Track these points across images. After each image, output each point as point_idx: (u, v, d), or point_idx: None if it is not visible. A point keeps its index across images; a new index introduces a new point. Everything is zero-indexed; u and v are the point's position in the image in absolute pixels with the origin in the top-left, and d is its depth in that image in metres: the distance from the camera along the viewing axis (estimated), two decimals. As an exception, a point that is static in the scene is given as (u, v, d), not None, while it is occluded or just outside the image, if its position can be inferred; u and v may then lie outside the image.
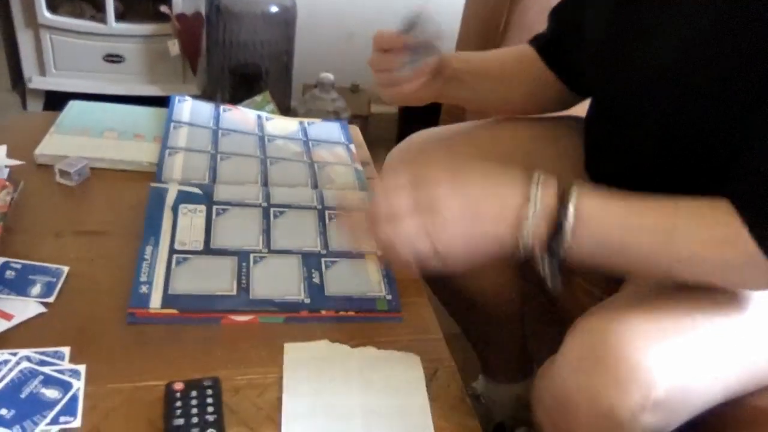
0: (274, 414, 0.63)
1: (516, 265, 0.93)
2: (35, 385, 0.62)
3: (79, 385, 0.63)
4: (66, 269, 0.76)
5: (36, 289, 0.73)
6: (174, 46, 1.84)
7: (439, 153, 0.85)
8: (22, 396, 0.60)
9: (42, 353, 0.65)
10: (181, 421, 0.58)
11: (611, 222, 0.56)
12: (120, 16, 1.83)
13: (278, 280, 0.78)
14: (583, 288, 0.85)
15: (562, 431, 0.60)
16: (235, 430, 0.61)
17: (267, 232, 0.85)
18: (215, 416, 0.60)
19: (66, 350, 0.66)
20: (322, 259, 0.82)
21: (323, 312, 0.75)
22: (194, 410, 0.59)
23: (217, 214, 0.86)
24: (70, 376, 0.63)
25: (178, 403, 0.60)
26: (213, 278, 0.76)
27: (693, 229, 0.55)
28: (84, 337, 0.68)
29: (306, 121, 1.17)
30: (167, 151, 0.98)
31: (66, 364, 0.65)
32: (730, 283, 0.60)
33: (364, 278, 0.81)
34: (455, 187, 0.58)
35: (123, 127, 1.06)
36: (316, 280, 0.79)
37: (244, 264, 0.79)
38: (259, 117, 1.15)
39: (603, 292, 0.81)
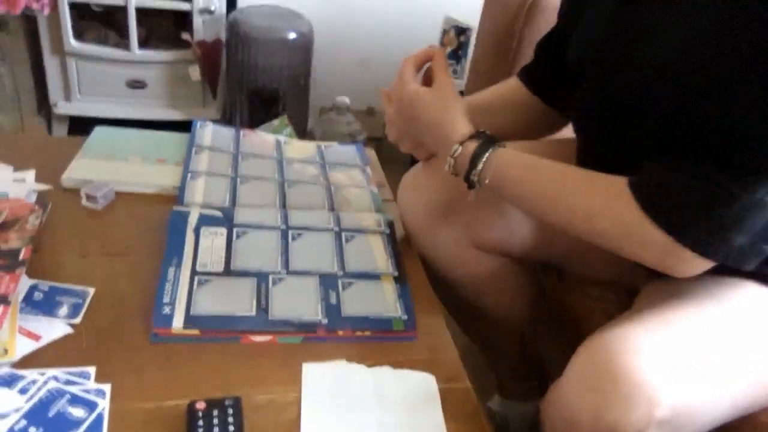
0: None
1: (528, 280, 0.95)
2: (62, 404, 0.64)
3: (104, 405, 0.64)
4: (92, 290, 0.79)
5: (63, 310, 0.75)
6: (195, 72, 1.89)
7: (446, 176, 0.87)
8: (50, 415, 0.62)
9: (69, 373, 0.67)
10: (203, 440, 0.60)
11: (516, 161, 0.72)
12: (143, 43, 1.89)
13: (296, 300, 0.80)
14: (595, 304, 0.86)
15: None
16: (255, 448, 0.62)
17: (285, 253, 0.87)
18: (236, 435, 0.61)
19: (92, 370, 0.68)
20: (339, 280, 0.84)
21: (340, 332, 0.77)
22: (216, 429, 0.61)
23: (237, 236, 0.88)
24: (96, 395, 0.65)
25: (201, 422, 0.62)
26: (233, 299, 0.78)
27: (584, 185, 0.67)
28: (109, 357, 0.70)
29: (323, 144, 1.19)
30: (189, 175, 1.01)
31: (92, 384, 0.67)
32: (622, 246, 0.64)
33: (380, 298, 0.82)
34: (428, 109, 0.78)
35: (146, 152, 1.09)
36: (333, 300, 0.81)
37: (263, 285, 0.81)
38: (278, 141, 1.17)
39: (615, 308, 0.82)
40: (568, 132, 0.90)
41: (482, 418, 0.70)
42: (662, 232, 0.60)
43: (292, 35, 1.83)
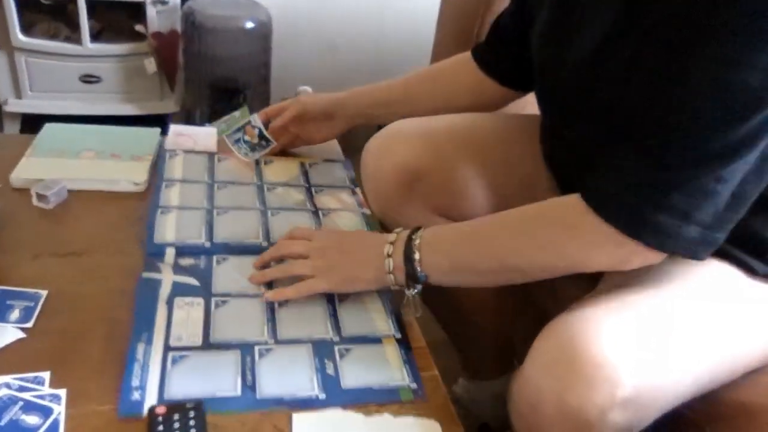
0: None
1: None
2: (15, 412, 0.61)
3: (60, 410, 0.62)
4: (44, 293, 0.76)
5: (14, 315, 0.72)
6: (151, 64, 1.85)
7: (416, 142, 0.86)
8: (2, 423, 0.60)
9: (21, 379, 0.65)
10: (164, 444, 0.58)
11: (447, 241, 0.72)
12: (95, 36, 1.83)
13: (288, 374, 0.70)
14: (565, 286, 0.86)
15: None
16: (219, 448, 0.61)
17: (272, 320, 0.76)
18: (199, 438, 0.59)
19: (46, 375, 0.66)
20: (335, 347, 0.74)
21: (340, 408, 0.68)
22: (177, 433, 0.59)
23: (216, 306, 0.78)
24: (51, 400, 0.63)
25: (161, 427, 0.59)
26: (214, 378, 0.68)
27: (529, 219, 0.69)
28: (64, 361, 0.68)
29: (308, 162, 1.10)
30: (159, 210, 0.91)
31: (46, 389, 0.64)
32: (576, 251, 0.65)
33: (384, 364, 0.73)
34: (337, 240, 0.80)
35: (100, 147, 1.05)
36: (330, 371, 0.71)
37: (248, 358, 0.71)
38: (257, 163, 1.08)
39: (584, 291, 0.82)
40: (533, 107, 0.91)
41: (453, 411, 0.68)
42: (614, 230, 0.61)
43: (249, 24, 1.79)
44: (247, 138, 1.04)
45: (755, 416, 0.67)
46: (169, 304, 0.77)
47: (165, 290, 0.79)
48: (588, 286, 0.84)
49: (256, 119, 1.05)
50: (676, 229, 0.59)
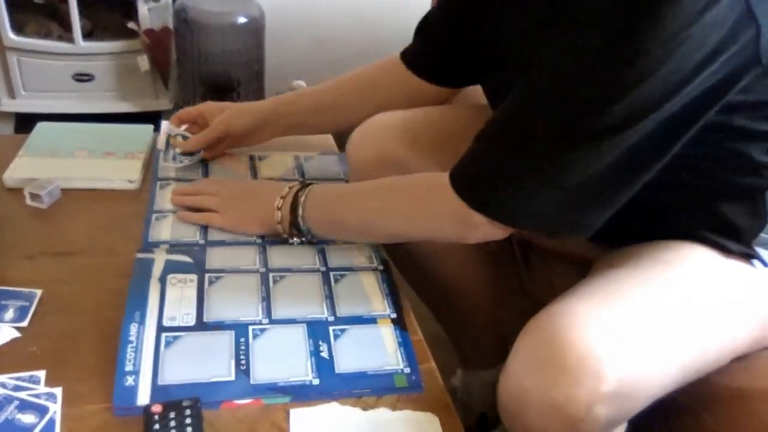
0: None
1: (482, 248, 0.96)
2: (11, 411, 0.61)
3: (55, 409, 0.62)
4: (39, 292, 0.76)
5: (9, 314, 0.72)
6: (144, 62, 1.84)
7: (395, 132, 0.87)
8: (-2, 423, 0.60)
9: (17, 378, 0.65)
10: (160, 443, 0.58)
11: (328, 200, 0.81)
12: (87, 35, 1.82)
13: (282, 357, 0.70)
14: (558, 280, 0.86)
15: (522, 429, 0.60)
16: (216, 443, 0.61)
17: (266, 299, 0.77)
18: (195, 436, 0.59)
19: (41, 374, 0.66)
20: (330, 328, 0.74)
21: (334, 393, 0.68)
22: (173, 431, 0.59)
23: (210, 282, 0.78)
24: (47, 399, 0.63)
25: (157, 426, 0.59)
26: (208, 361, 0.68)
27: (399, 188, 0.76)
28: (59, 360, 0.68)
29: (302, 156, 1.09)
30: (154, 216, 0.90)
31: (42, 388, 0.64)
32: (426, 217, 0.72)
33: (380, 347, 0.73)
34: (242, 188, 0.91)
35: (93, 146, 1.05)
36: (325, 353, 0.71)
37: (242, 339, 0.71)
38: (251, 158, 1.07)
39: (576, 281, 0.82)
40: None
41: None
42: (461, 202, 0.66)
43: (241, 19, 1.78)
44: (178, 150, 1.01)
45: (750, 399, 0.67)
46: (162, 281, 0.77)
47: (158, 268, 0.79)
48: (583, 272, 0.84)
49: (173, 128, 1.03)
50: (522, 202, 0.63)
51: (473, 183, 0.66)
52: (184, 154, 1.01)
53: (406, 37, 0.96)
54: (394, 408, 0.67)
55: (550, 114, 0.61)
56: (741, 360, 0.68)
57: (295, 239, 0.84)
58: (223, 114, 0.99)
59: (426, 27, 0.93)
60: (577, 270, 0.86)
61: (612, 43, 0.56)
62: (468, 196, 0.65)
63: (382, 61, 0.98)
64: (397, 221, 0.76)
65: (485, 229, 0.66)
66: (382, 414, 0.66)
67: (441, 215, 0.70)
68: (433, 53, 0.92)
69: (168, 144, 1.03)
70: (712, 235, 0.70)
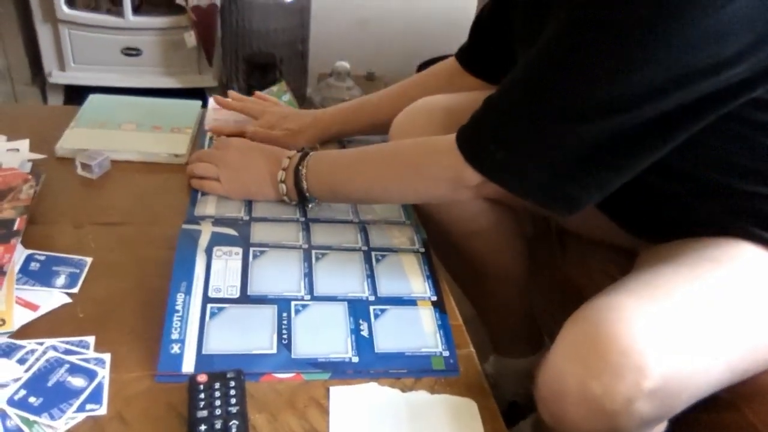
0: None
1: (516, 229, 0.95)
2: (62, 374, 0.63)
3: (104, 374, 0.64)
4: (89, 260, 0.78)
5: (60, 280, 0.74)
6: (190, 38, 1.86)
7: (439, 115, 0.87)
8: (49, 384, 0.62)
9: (67, 342, 0.67)
10: (204, 413, 0.59)
11: (326, 172, 0.82)
12: (136, 9, 1.85)
13: (322, 333, 0.71)
14: (597, 268, 0.85)
15: (558, 420, 0.60)
16: (257, 416, 0.62)
17: (309, 276, 0.78)
18: (238, 407, 0.60)
19: (91, 339, 0.68)
20: (371, 307, 0.75)
21: (372, 371, 0.69)
22: (217, 402, 0.60)
23: (255, 256, 0.79)
24: (95, 364, 0.65)
25: (202, 395, 0.61)
26: (251, 333, 0.69)
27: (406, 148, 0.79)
28: (108, 327, 0.70)
29: (345, 140, 1.09)
30: (199, 193, 0.91)
31: (91, 353, 0.66)
32: (434, 189, 0.75)
33: (419, 329, 0.73)
34: (241, 158, 0.90)
35: (141, 119, 1.07)
36: (365, 332, 0.72)
37: (284, 314, 0.72)
38: None
39: (618, 272, 0.81)
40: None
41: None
42: (456, 154, 0.69)
43: (288, -2, 1.78)
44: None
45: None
46: (208, 253, 0.78)
47: (204, 240, 0.80)
48: (620, 259, 0.83)
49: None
50: (515, 165, 0.65)
51: (474, 138, 0.69)
52: None
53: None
54: (432, 391, 0.67)
55: (552, 87, 0.62)
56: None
57: (307, 205, 0.88)
58: (279, 134, 0.99)
59: (479, 26, 0.93)
60: (616, 259, 0.85)
61: (622, 23, 0.56)
62: (466, 148, 0.69)
63: (434, 67, 1.00)
64: (394, 183, 0.78)
65: (478, 190, 0.71)
66: (421, 396, 0.67)
67: (437, 172, 0.73)
68: (488, 52, 0.92)
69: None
70: (755, 230, 0.67)
